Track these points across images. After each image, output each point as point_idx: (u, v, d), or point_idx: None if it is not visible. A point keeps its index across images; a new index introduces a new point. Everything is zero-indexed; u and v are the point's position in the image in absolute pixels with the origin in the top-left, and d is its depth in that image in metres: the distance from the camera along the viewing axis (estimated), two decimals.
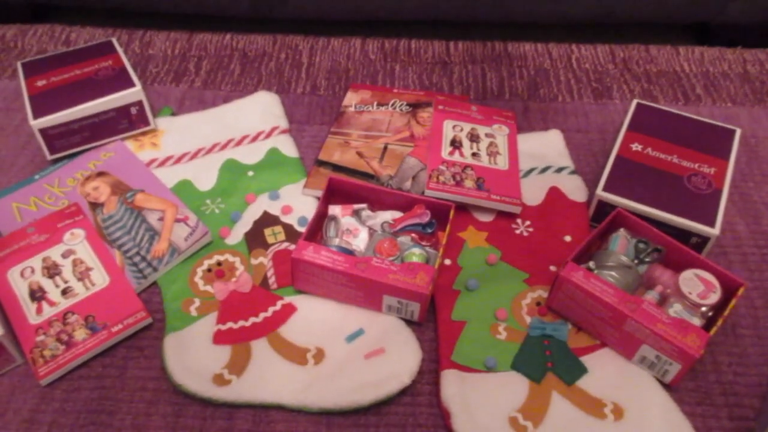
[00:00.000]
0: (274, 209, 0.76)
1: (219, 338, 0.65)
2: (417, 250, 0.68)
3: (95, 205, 0.75)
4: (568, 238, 0.73)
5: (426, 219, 0.71)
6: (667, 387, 0.62)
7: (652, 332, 0.59)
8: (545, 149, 0.83)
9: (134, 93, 0.79)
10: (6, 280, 0.68)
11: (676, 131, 0.79)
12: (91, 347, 0.64)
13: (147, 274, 0.69)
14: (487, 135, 0.82)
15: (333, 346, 0.64)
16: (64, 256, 0.70)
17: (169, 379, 0.62)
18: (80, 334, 0.64)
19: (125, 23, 1.05)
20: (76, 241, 0.71)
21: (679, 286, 0.64)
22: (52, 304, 0.66)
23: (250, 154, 0.82)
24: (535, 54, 1.00)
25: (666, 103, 0.92)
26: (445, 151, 0.79)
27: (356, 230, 0.71)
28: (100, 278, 0.68)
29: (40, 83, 0.81)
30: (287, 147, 0.82)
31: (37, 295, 0.66)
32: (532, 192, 0.78)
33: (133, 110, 0.80)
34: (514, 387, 0.61)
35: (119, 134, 0.82)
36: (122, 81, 0.80)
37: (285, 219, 0.75)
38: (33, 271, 0.68)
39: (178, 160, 0.81)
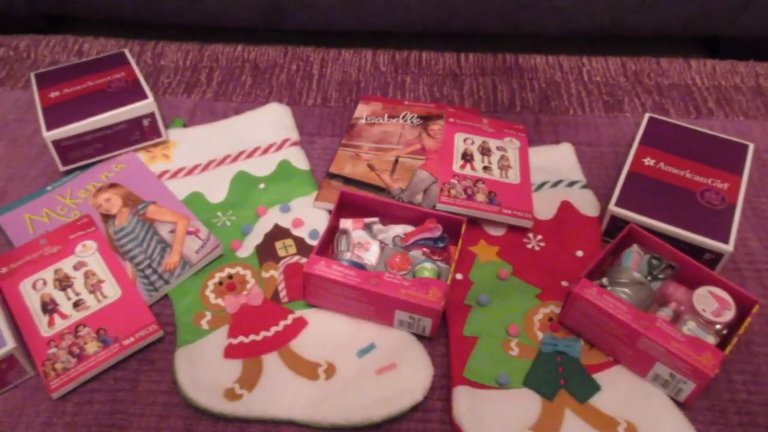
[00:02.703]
0: (285, 222, 0.76)
1: (230, 352, 0.65)
2: (428, 265, 0.67)
3: (107, 217, 0.75)
4: (580, 253, 0.73)
5: (438, 233, 0.70)
6: (681, 405, 0.62)
7: (667, 350, 0.59)
8: (557, 163, 0.82)
9: (147, 105, 0.80)
10: (18, 292, 0.68)
11: (689, 146, 0.79)
12: (102, 360, 0.64)
13: (158, 287, 0.70)
14: (498, 148, 0.82)
15: (344, 361, 0.64)
16: (76, 268, 0.70)
17: (180, 393, 0.62)
18: (92, 347, 0.64)
19: (137, 34, 1.05)
20: (88, 253, 0.71)
21: (693, 303, 0.63)
22: (63, 316, 0.66)
23: (261, 167, 0.82)
24: (545, 66, 0.99)
25: (678, 117, 0.92)
26: (457, 164, 0.79)
27: (367, 244, 0.71)
28: (112, 291, 0.68)
29: (53, 95, 0.81)
30: (298, 159, 0.83)
31: (49, 307, 0.67)
32: (544, 206, 0.77)
33: (146, 122, 0.81)
34: (526, 404, 0.61)
35: (131, 146, 0.82)
36: (135, 93, 0.81)
37: (296, 232, 0.75)
38: (45, 283, 0.68)
39: (190, 171, 0.81)
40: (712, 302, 0.63)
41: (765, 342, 0.67)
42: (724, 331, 0.62)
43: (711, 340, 0.61)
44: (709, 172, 0.75)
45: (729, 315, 0.62)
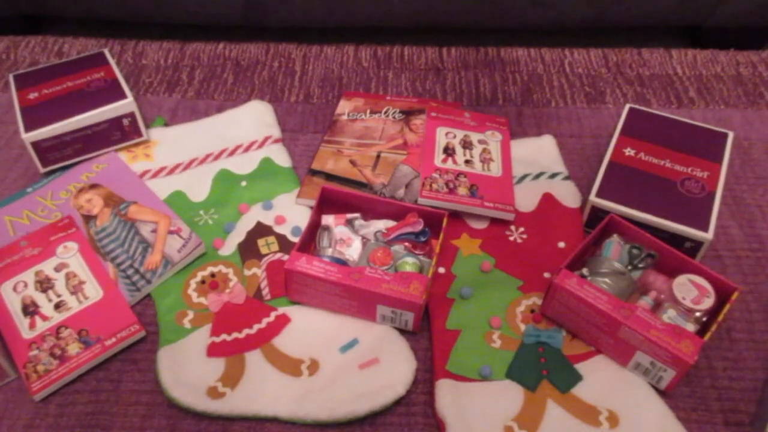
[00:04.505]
0: (268, 219, 0.76)
1: (213, 351, 0.65)
2: (410, 259, 0.67)
3: (88, 218, 0.75)
4: (562, 245, 0.73)
5: (419, 228, 0.71)
6: (662, 393, 0.62)
7: (647, 339, 0.59)
8: (538, 155, 0.83)
9: (126, 105, 0.79)
10: None
11: (669, 135, 0.79)
12: (84, 361, 0.63)
13: (140, 287, 0.69)
14: (479, 141, 0.82)
15: (327, 356, 0.64)
16: (57, 269, 0.70)
17: (163, 392, 0.62)
18: (74, 348, 0.64)
19: (118, 33, 1.05)
20: (69, 255, 0.71)
21: (673, 291, 0.63)
22: (45, 318, 0.66)
23: (244, 164, 0.81)
24: (528, 59, 1.00)
25: (659, 107, 0.92)
26: (438, 158, 0.79)
27: (349, 240, 0.71)
28: (93, 291, 0.68)
29: (32, 96, 0.81)
30: (280, 156, 0.82)
31: (30, 309, 0.66)
32: (526, 198, 0.77)
33: (126, 122, 0.80)
34: (509, 396, 0.61)
35: (112, 146, 0.82)
36: (114, 92, 0.80)
37: (278, 229, 0.75)
38: (26, 285, 0.68)
39: (171, 171, 0.81)
40: (691, 290, 0.63)
41: (745, 329, 0.68)
42: (704, 319, 0.63)
43: (691, 327, 0.62)
44: (689, 161, 0.76)
45: (708, 302, 0.62)
